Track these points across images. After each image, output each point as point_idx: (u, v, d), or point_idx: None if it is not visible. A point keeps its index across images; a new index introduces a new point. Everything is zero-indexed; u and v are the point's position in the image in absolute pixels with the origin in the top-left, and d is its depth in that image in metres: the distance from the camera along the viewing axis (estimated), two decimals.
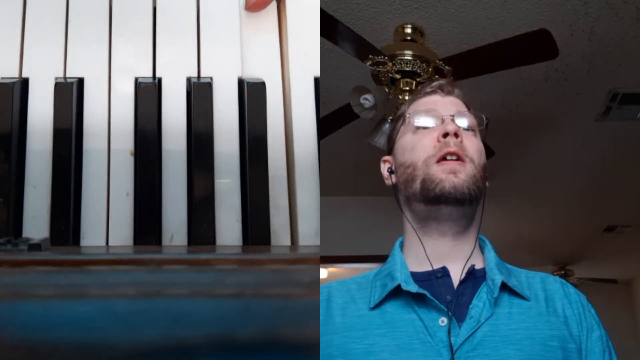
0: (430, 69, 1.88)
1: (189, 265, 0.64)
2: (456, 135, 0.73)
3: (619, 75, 2.27)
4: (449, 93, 0.80)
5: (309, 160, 0.82)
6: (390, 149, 0.83)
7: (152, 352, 0.47)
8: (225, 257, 0.68)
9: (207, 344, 0.47)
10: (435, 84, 0.81)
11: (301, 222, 0.80)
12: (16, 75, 0.82)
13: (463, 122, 0.76)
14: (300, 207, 0.81)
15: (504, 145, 2.61)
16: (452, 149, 0.72)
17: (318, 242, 0.80)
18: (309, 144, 0.83)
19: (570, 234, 4.30)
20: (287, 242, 0.79)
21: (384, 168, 0.81)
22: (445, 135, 0.73)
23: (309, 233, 0.80)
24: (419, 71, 1.89)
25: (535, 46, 1.71)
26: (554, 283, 0.75)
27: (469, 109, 0.79)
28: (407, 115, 0.78)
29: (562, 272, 5.20)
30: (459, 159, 0.72)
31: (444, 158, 0.72)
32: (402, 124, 0.80)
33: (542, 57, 1.76)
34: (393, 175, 0.79)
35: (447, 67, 1.82)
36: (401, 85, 1.90)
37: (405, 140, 0.78)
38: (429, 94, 0.80)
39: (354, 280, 0.78)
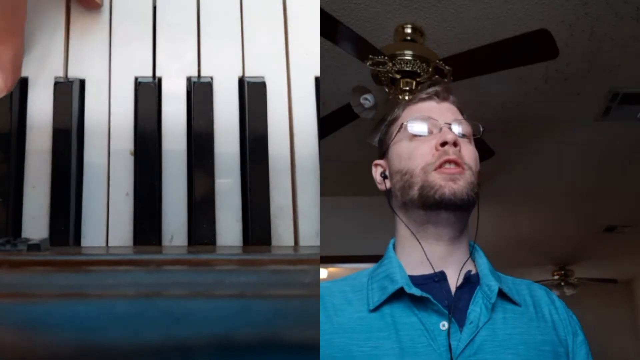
0: (430, 69, 1.88)
1: (189, 266, 0.63)
2: (455, 144, 0.74)
3: (619, 75, 2.27)
4: (445, 99, 0.80)
5: (309, 160, 0.82)
6: (383, 153, 0.82)
7: (152, 352, 0.47)
8: (225, 258, 0.68)
9: (208, 344, 0.47)
10: (431, 90, 0.81)
11: (301, 222, 0.80)
12: None
13: (459, 129, 0.76)
14: (301, 207, 0.80)
15: (504, 145, 2.61)
16: (452, 157, 0.73)
17: (318, 242, 0.79)
18: (309, 144, 0.83)
19: (570, 234, 4.30)
20: (289, 242, 0.79)
21: (377, 172, 0.82)
22: (444, 144, 0.74)
23: (309, 233, 0.80)
24: (419, 71, 1.89)
25: (535, 46, 1.71)
26: (539, 290, 0.78)
27: (463, 114, 0.80)
28: (404, 122, 0.78)
29: (562, 272, 5.20)
30: (458, 166, 0.73)
31: (442, 165, 0.73)
32: (397, 131, 0.80)
33: (542, 57, 1.75)
34: (387, 181, 0.80)
35: (447, 67, 1.82)
36: (401, 85, 1.90)
37: (401, 148, 0.78)
38: (424, 100, 0.81)
39: (346, 282, 0.78)
